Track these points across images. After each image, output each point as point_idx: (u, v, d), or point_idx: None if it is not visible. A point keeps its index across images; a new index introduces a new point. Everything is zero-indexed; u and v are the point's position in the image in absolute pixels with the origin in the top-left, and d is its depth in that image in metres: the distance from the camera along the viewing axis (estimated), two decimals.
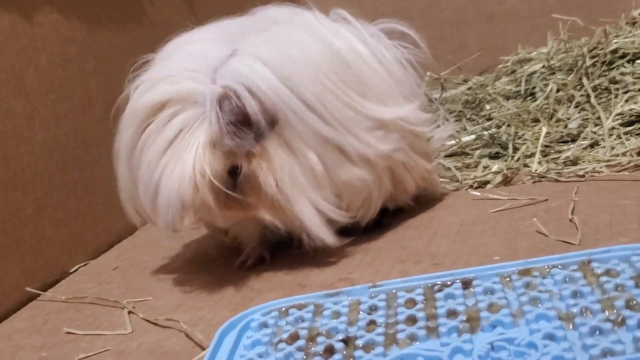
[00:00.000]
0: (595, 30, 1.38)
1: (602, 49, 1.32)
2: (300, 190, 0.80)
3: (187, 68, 0.80)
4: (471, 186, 1.04)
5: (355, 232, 0.89)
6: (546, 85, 1.35)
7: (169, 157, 0.77)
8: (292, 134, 0.79)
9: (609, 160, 1.02)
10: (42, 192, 0.94)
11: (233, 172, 0.79)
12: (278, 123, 0.78)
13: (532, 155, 1.10)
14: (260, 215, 0.81)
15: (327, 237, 0.82)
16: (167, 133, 0.77)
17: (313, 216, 0.80)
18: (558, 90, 1.28)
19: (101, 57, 1.06)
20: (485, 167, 1.11)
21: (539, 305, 0.61)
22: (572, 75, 1.30)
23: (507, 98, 1.41)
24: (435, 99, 1.33)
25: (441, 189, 1.01)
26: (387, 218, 0.94)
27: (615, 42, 1.32)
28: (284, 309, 0.70)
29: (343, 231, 0.86)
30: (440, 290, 0.67)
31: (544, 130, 1.11)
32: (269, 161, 0.79)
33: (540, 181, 0.99)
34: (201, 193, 0.76)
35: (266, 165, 0.79)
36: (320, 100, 0.80)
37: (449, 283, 0.68)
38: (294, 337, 0.64)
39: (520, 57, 1.53)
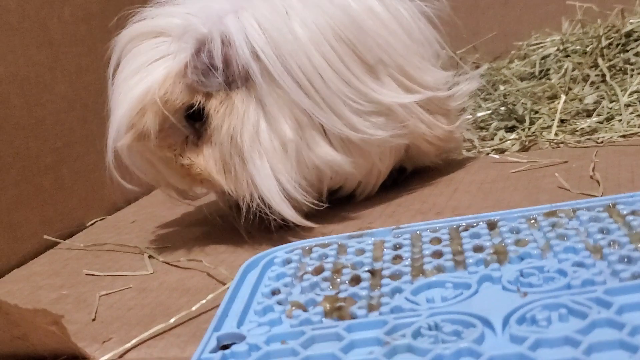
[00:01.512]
0: (610, 14, 1.38)
1: (617, 30, 1.32)
2: (262, 154, 0.76)
3: (185, 11, 0.80)
4: (488, 154, 1.04)
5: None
6: (560, 67, 1.35)
7: (136, 79, 0.76)
8: (267, 95, 0.77)
9: (626, 132, 1.02)
10: (62, 142, 0.95)
11: (192, 116, 0.77)
12: (250, 79, 0.76)
13: (549, 127, 1.10)
14: (207, 174, 0.77)
15: (286, 210, 0.77)
16: (143, 58, 0.77)
17: (272, 185, 0.76)
18: (573, 70, 1.29)
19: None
20: (501, 139, 1.11)
21: (566, 240, 0.61)
22: (588, 54, 1.31)
23: (521, 79, 1.41)
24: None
25: (463, 148, 1.00)
26: (404, 176, 0.93)
27: (631, 23, 1.32)
28: (307, 247, 0.70)
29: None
30: (465, 229, 0.67)
31: (563, 98, 1.11)
32: (230, 108, 0.76)
33: (559, 147, 0.99)
34: (146, 117, 0.75)
35: (224, 111, 0.76)
36: (309, 73, 0.77)
37: (474, 224, 0.68)
38: (319, 270, 0.64)
39: (534, 42, 1.53)
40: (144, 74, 0.76)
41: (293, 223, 0.80)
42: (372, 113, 0.82)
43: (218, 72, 0.75)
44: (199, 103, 0.76)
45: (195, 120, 0.77)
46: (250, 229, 0.84)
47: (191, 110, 0.77)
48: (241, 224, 0.80)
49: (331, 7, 0.81)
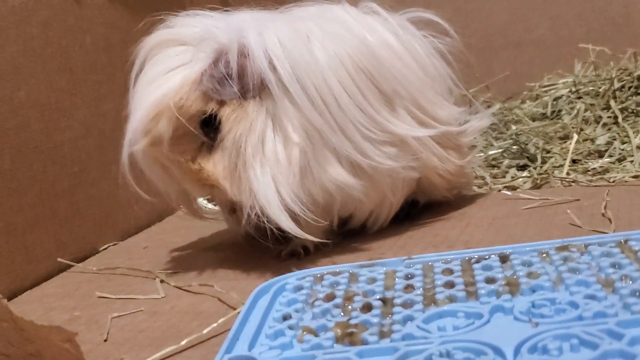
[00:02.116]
0: (623, 57, 1.40)
1: (629, 73, 1.33)
2: (264, 164, 0.77)
3: (210, 23, 0.82)
4: (500, 190, 1.05)
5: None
6: (572, 108, 1.36)
7: (154, 86, 0.78)
8: (279, 107, 0.78)
9: (637, 172, 1.02)
10: (78, 167, 0.96)
11: (206, 123, 0.78)
12: (264, 89, 0.78)
13: (561, 166, 1.11)
14: (215, 179, 0.78)
15: (283, 220, 0.76)
16: (163, 66, 0.79)
17: (271, 195, 0.76)
18: (586, 111, 1.30)
19: None
20: (513, 177, 1.12)
21: (578, 274, 0.61)
22: (600, 96, 1.32)
23: (533, 119, 1.42)
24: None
25: (474, 184, 1.01)
26: (417, 210, 0.94)
27: None
28: (319, 275, 0.70)
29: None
30: (477, 261, 0.68)
31: (575, 137, 1.12)
32: (240, 116, 0.77)
33: (571, 185, 1.00)
34: (161, 122, 0.76)
35: (234, 118, 0.77)
36: (324, 94, 0.79)
37: (486, 257, 0.69)
38: (331, 297, 0.64)
39: (546, 83, 1.55)
40: (162, 81, 0.78)
41: (302, 249, 0.83)
42: (384, 142, 0.83)
43: (234, 81, 0.77)
44: (212, 110, 0.77)
45: (209, 128, 0.78)
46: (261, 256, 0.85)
47: (204, 117, 0.78)
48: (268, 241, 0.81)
49: (350, 37, 0.84)
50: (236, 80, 0.77)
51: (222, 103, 0.78)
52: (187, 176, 0.80)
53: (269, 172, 0.77)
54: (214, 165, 0.78)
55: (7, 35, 0.86)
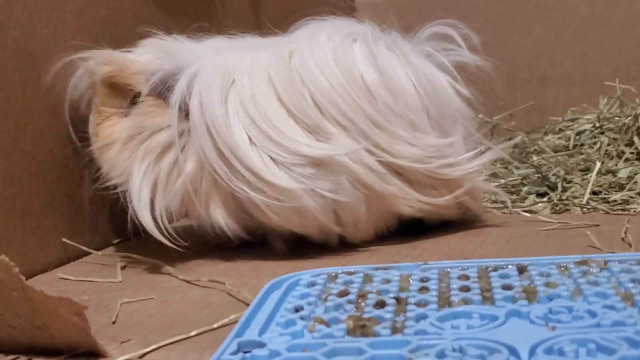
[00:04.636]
0: None
1: None
2: (154, 168, 0.84)
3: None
4: (519, 213, 1.04)
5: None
6: (595, 142, 1.35)
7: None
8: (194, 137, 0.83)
9: None
10: None
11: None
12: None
13: (581, 196, 1.10)
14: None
15: (144, 217, 0.83)
16: None
17: (144, 197, 0.83)
18: (608, 144, 1.29)
19: None
20: (532, 203, 1.11)
21: (597, 286, 0.60)
22: (623, 131, 1.31)
23: (555, 152, 1.41)
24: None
25: (481, 208, 0.99)
26: (423, 228, 0.92)
27: None
28: (333, 274, 0.70)
29: None
30: (494, 270, 0.67)
31: (598, 164, 1.11)
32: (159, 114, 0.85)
33: (590, 213, 0.99)
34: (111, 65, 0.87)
35: (153, 112, 0.85)
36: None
37: (503, 266, 0.68)
38: (344, 293, 0.63)
39: (570, 117, 1.54)
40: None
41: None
42: (297, 164, 0.82)
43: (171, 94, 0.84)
44: (144, 93, 0.85)
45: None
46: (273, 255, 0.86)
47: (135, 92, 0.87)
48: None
49: (285, 71, 0.85)
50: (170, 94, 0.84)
51: (152, 94, 0.85)
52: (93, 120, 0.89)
53: (153, 177, 0.84)
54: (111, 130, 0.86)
55: (40, 18, 0.87)
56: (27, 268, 0.85)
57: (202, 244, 0.90)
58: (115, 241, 0.99)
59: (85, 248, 0.92)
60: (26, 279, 0.82)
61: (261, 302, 0.64)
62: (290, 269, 0.79)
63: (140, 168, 0.83)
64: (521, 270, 0.66)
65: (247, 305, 0.69)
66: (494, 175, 1.24)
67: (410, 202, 0.87)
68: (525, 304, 0.57)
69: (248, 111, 0.83)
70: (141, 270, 0.85)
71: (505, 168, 1.35)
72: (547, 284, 0.61)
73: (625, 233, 0.84)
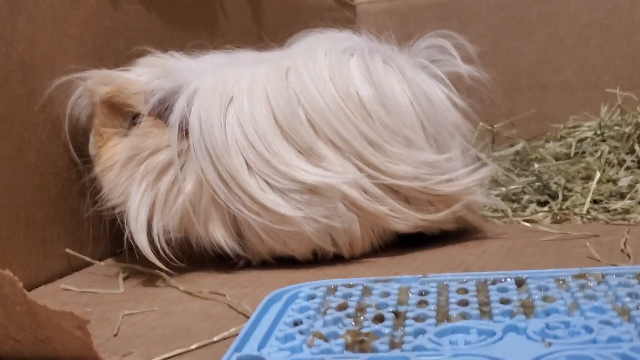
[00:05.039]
0: None
1: None
2: (152, 188, 0.85)
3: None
4: (519, 223, 1.04)
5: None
6: (596, 150, 1.36)
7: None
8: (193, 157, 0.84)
9: None
10: None
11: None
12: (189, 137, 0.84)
13: (582, 205, 1.10)
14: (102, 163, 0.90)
15: (141, 241, 0.83)
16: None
17: (142, 219, 0.84)
18: (609, 153, 1.29)
19: None
20: (533, 212, 1.11)
21: (594, 300, 0.61)
22: (624, 139, 1.31)
23: (556, 159, 1.42)
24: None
25: (480, 220, 0.98)
26: (422, 239, 0.92)
27: None
28: (332, 286, 0.70)
29: None
30: (493, 283, 0.67)
31: (597, 174, 1.11)
32: (158, 134, 0.86)
33: (591, 222, 0.99)
34: (111, 85, 0.88)
35: (152, 132, 0.86)
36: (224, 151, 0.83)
37: (502, 279, 0.68)
38: (343, 307, 0.64)
39: (571, 124, 1.54)
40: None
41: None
42: (292, 190, 0.83)
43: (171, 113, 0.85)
44: (142, 113, 0.86)
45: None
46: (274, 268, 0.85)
47: (134, 113, 0.88)
48: None
49: (281, 90, 0.85)
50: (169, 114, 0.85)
51: (152, 114, 0.86)
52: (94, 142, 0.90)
53: (151, 198, 0.84)
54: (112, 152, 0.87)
55: (44, 31, 0.88)
56: (31, 278, 0.86)
57: (201, 256, 0.90)
58: (117, 251, 1.00)
59: (88, 258, 0.93)
60: (30, 289, 0.84)
61: (261, 315, 0.65)
62: (290, 280, 0.80)
63: (139, 189, 0.84)
64: (519, 283, 0.67)
65: (248, 317, 0.70)
66: (495, 183, 1.25)
67: (406, 220, 0.87)
68: (523, 319, 0.58)
69: (247, 134, 0.83)
70: (143, 281, 0.86)
71: (507, 176, 1.36)
72: (544, 298, 0.62)
73: (624, 244, 0.84)
